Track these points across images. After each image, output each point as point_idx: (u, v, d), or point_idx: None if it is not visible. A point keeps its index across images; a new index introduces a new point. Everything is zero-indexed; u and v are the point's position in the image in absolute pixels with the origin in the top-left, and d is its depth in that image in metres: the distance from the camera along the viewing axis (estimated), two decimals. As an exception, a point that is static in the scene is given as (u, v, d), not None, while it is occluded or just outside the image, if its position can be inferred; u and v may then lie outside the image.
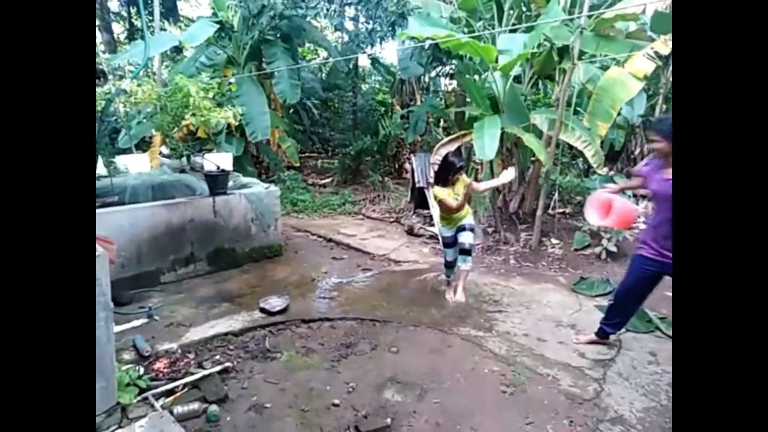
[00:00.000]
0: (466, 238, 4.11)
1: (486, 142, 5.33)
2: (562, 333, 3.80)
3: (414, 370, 3.15)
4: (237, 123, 7.12)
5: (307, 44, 12.11)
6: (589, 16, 5.72)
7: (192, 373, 2.91)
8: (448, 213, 4.11)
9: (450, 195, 3.99)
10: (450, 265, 4.36)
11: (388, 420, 2.60)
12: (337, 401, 2.78)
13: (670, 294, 4.65)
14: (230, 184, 5.26)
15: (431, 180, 6.67)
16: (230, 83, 8.47)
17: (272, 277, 4.86)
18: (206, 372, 2.92)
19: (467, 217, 4.17)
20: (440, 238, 4.31)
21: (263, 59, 8.76)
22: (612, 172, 8.10)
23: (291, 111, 11.43)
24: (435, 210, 6.55)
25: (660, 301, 4.43)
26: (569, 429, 2.64)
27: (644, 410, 2.82)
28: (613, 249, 5.67)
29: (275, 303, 3.93)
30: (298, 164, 9.53)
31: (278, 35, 8.69)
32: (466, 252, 4.12)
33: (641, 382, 3.11)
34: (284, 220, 6.61)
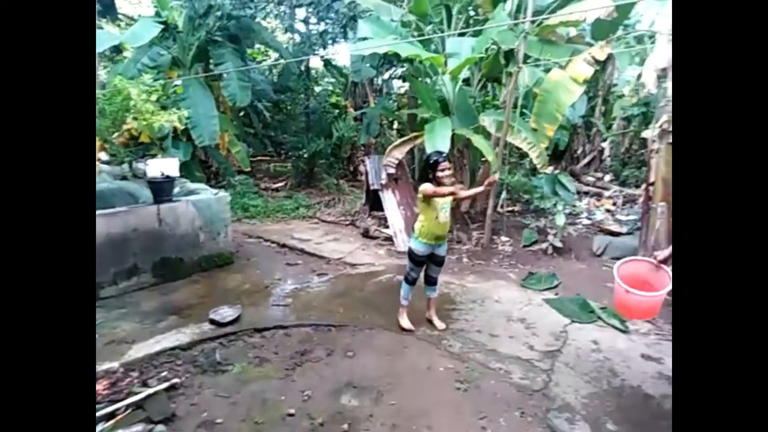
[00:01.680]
0: (437, 272, 3.78)
1: (437, 144, 5.43)
2: (512, 327, 3.93)
3: (370, 374, 3.15)
4: (183, 127, 6.86)
5: (257, 45, 11.84)
6: (533, 22, 5.98)
7: (135, 393, 2.76)
8: (434, 221, 3.48)
9: (441, 200, 3.48)
10: (412, 283, 3.76)
11: (345, 426, 2.59)
12: (292, 410, 2.73)
13: (611, 285, 4.93)
14: (176, 190, 5.05)
15: (384, 181, 6.72)
16: (176, 85, 8.15)
17: (223, 286, 4.71)
18: (151, 390, 2.78)
19: (446, 240, 3.70)
20: (410, 254, 3.63)
21: (210, 61, 8.48)
22: (557, 171, 8.48)
23: (241, 114, 11.13)
24: (395, 215, 6.60)
25: (601, 292, 4.70)
26: (520, 420, 2.73)
27: (588, 396, 2.97)
28: (559, 245, 5.94)
29: (226, 313, 3.81)
30: (249, 168, 9.30)
31: (226, 36, 8.45)
32: (434, 282, 3.82)
33: (585, 370, 3.28)
34: (235, 226, 6.43)
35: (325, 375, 3.13)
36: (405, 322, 3.81)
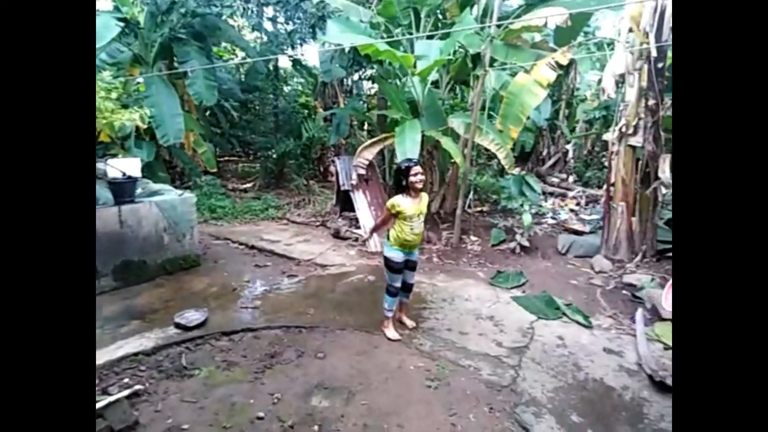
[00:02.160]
0: (412, 278, 3.76)
1: (408, 147, 5.48)
2: (482, 325, 4.00)
3: (341, 374, 3.13)
4: (146, 126, 6.64)
5: (224, 44, 11.59)
6: (499, 26, 6.12)
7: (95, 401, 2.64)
8: (407, 231, 3.44)
9: (414, 209, 3.40)
10: (395, 294, 3.65)
11: (316, 427, 2.56)
12: (261, 414, 2.69)
13: (575, 282, 5.11)
14: (139, 191, 4.87)
15: (354, 182, 6.71)
16: (138, 83, 7.88)
17: (189, 289, 4.57)
18: (112, 398, 2.66)
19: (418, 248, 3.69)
20: (387, 263, 3.58)
21: (174, 58, 8.24)
22: (523, 172, 8.70)
23: (207, 113, 10.88)
24: (366, 216, 6.59)
25: (566, 289, 4.86)
26: (489, 415, 2.78)
27: (554, 390, 3.06)
28: (526, 244, 6.09)
29: (192, 317, 3.71)
30: (216, 169, 9.09)
31: (191, 34, 8.23)
32: (410, 289, 3.82)
33: (551, 365, 3.37)
34: (201, 228, 6.27)
35: (295, 377, 3.09)
36: (391, 333, 3.70)
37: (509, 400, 2.93)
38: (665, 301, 3.92)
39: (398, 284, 3.62)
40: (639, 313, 4.05)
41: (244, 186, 10.14)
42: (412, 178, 3.36)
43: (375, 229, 4.13)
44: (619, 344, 3.70)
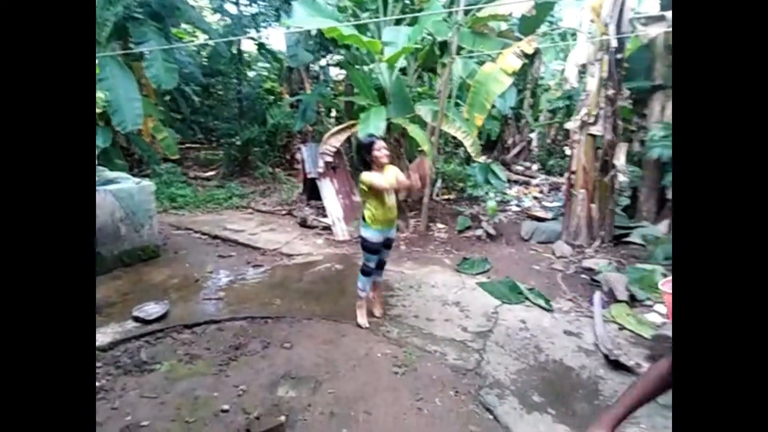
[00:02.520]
0: (388, 255, 3.75)
1: (370, 133, 5.43)
2: (448, 311, 4.07)
3: (308, 364, 3.11)
4: (101, 111, 6.30)
5: (183, 25, 11.09)
6: (466, 12, 6.13)
7: (48, 400, 2.52)
8: (382, 206, 3.40)
9: (386, 181, 3.36)
10: (369, 274, 3.63)
11: (282, 418, 2.54)
12: (226, 407, 2.64)
13: (537, 267, 5.26)
14: (92, 179, 4.63)
15: (322, 170, 6.63)
16: (88, 64, 7.44)
17: (148, 281, 4.42)
18: (66, 396, 2.55)
19: (395, 223, 3.61)
20: (364, 244, 3.52)
21: (130, 39, 7.82)
22: (489, 160, 8.84)
23: (167, 98, 10.44)
24: (334, 204, 6.53)
25: (528, 274, 5.00)
26: (455, 399, 2.84)
27: (517, 372, 3.16)
28: (491, 231, 6.21)
29: (152, 310, 3.58)
30: (176, 156, 8.76)
31: (148, 13, 7.82)
32: (383, 266, 3.80)
33: (514, 348, 3.47)
34: (161, 218, 6.05)
35: (260, 368, 3.05)
36: (362, 319, 3.68)
37: (474, 383, 3.00)
38: (665, 297, 3.96)
39: (373, 264, 3.59)
40: (597, 296, 4.22)
41: (207, 174, 9.84)
42: (375, 153, 3.34)
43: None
44: (577, 326, 3.85)
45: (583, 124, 5.86)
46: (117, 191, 4.63)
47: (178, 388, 2.79)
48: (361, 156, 3.48)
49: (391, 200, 3.45)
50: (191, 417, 2.54)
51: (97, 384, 2.74)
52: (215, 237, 5.90)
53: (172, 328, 3.48)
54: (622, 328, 3.80)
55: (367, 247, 3.52)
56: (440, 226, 6.59)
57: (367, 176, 3.33)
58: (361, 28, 6.43)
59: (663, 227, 5.86)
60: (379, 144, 3.37)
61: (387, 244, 3.61)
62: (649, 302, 4.21)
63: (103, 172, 5.15)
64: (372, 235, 3.46)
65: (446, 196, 8.11)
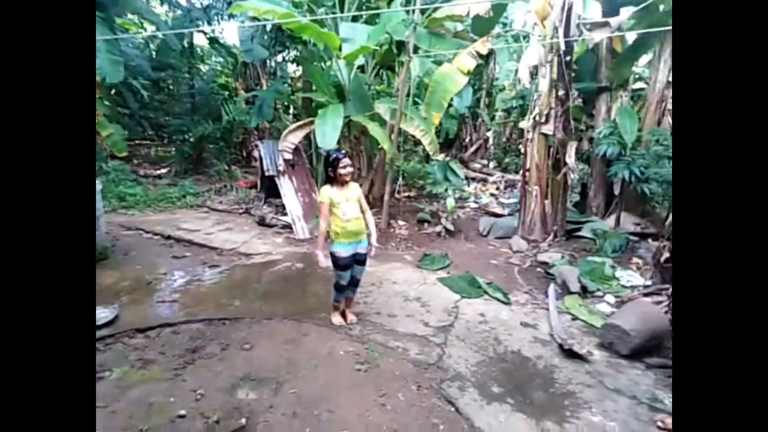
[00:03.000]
0: (360, 274, 3.63)
1: (327, 131, 5.39)
2: (409, 307, 4.11)
3: (269, 365, 3.05)
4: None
5: (129, 16, 10.53)
6: (423, 13, 6.19)
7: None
8: (341, 220, 3.36)
9: (342, 196, 3.35)
10: (342, 290, 3.60)
11: (243, 420, 2.47)
12: (183, 412, 2.54)
13: (495, 262, 5.42)
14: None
15: (281, 168, 6.50)
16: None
17: (96, 284, 4.16)
18: (4, 410, 2.36)
19: (364, 237, 3.52)
20: (333, 260, 3.44)
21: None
22: (447, 158, 8.99)
23: (113, 92, 9.87)
24: (293, 202, 6.42)
25: (487, 269, 5.14)
26: (417, 393, 2.88)
27: (477, 364, 3.24)
28: (450, 227, 6.33)
29: (100, 315, 3.39)
30: (125, 153, 8.30)
31: (89, 1, 7.34)
32: (357, 284, 3.70)
33: (474, 341, 3.56)
34: (109, 217, 5.73)
35: (219, 371, 2.95)
36: (335, 319, 3.70)
37: (436, 377, 3.05)
38: None
39: (344, 281, 3.52)
40: (551, 289, 4.40)
41: (158, 172, 9.41)
42: (340, 170, 3.32)
43: (321, 233, 3.47)
44: (534, 318, 4.00)
45: (536, 124, 6.09)
46: (58, 190, 4.34)
47: (131, 396, 2.66)
48: (324, 168, 3.45)
49: (349, 211, 3.38)
50: (145, 425, 2.42)
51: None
52: (168, 237, 5.66)
53: (123, 333, 3.31)
54: (575, 318, 3.99)
55: (337, 263, 3.43)
56: (401, 223, 6.64)
57: (323, 192, 3.36)
58: (318, 23, 6.36)
59: (611, 221, 6.19)
60: (345, 162, 3.33)
61: (357, 259, 3.52)
62: (599, 293, 4.44)
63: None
64: (339, 249, 3.40)
65: (406, 194, 8.18)
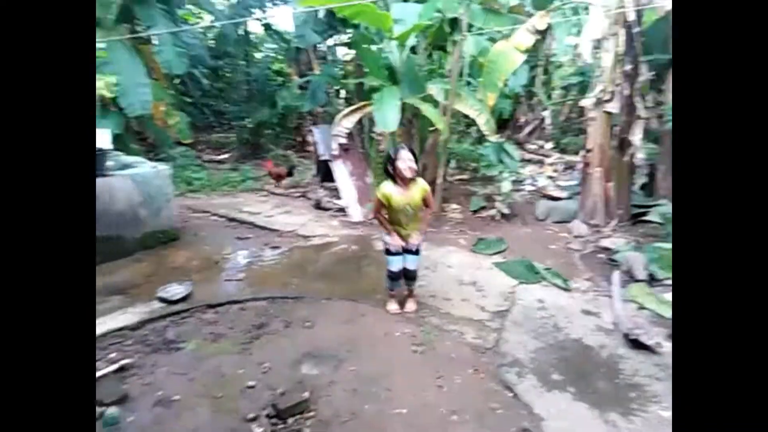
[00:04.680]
0: (412, 264, 3.49)
1: (387, 114, 5.39)
2: (464, 291, 4.10)
3: (329, 343, 3.17)
4: (112, 96, 6.31)
5: (188, 6, 10.98)
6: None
7: (82, 377, 2.61)
8: (394, 221, 3.35)
9: (401, 199, 3.22)
10: (395, 277, 3.51)
11: (306, 394, 2.60)
12: (252, 383, 2.72)
13: (553, 247, 5.25)
14: (110, 164, 4.68)
15: (335, 152, 6.62)
16: (98, 49, 7.42)
17: (170, 263, 4.50)
18: (99, 373, 2.64)
19: (417, 233, 3.43)
20: (385, 245, 3.45)
21: (137, 22, 7.77)
22: (502, 139, 8.73)
23: (177, 82, 10.41)
24: (347, 186, 6.53)
25: (545, 254, 4.99)
26: (474, 376, 2.89)
27: (535, 351, 3.19)
28: (506, 211, 6.19)
29: (175, 291, 3.66)
30: (190, 140, 8.78)
31: (154, -6, 7.73)
32: (411, 279, 3.58)
33: (532, 327, 3.50)
34: (179, 201, 6.11)
35: (283, 347, 3.12)
36: (390, 306, 3.65)
37: (493, 362, 3.04)
38: None
39: (395, 268, 3.45)
40: (615, 276, 4.21)
41: (220, 157, 9.88)
42: (399, 165, 3.09)
43: (380, 223, 3.46)
44: (596, 306, 3.86)
45: (599, 101, 5.75)
46: (134, 176, 4.68)
47: (206, 366, 2.88)
48: (384, 165, 3.27)
49: (404, 219, 3.30)
50: (219, 393, 2.62)
51: (128, 361, 2.83)
52: (232, 219, 5.97)
53: (196, 308, 3.56)
54: (641, 307, 3.80)
55: (387, 249, 3.44)
56: (454, 206, 6.58)
57: (381, 188, 3.23)
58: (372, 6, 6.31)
59: (681, 205, 5.78)
60: (403, 155, 3.10)
61: (408, 249, 3.45)
62: (668, 282, 4.19)
63: (118, 157, 5.18)
64: (389, 239, 3.39)
65: (459, 177, 8.06)
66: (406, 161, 3.10)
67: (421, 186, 3.26)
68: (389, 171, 3.21)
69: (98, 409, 2.39)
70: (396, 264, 3.45)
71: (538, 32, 5.93)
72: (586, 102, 5.94)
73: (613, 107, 5.61)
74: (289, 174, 7.90)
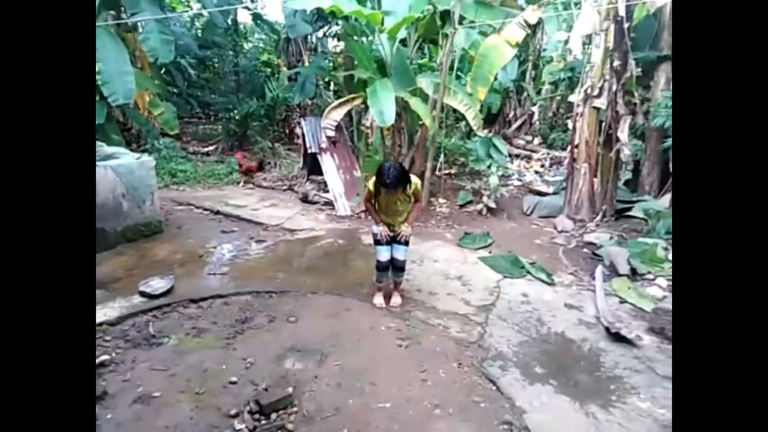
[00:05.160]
0: (400, 254, 3.53)
1: (384, 108, 5.34)
2: (450, 285, 4.11)
3: (314, 337, 3.16)
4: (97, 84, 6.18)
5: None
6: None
7: (60, 373, 2.56)
8: (381, 209, 3.45)
9: (385, 200, 3.35)
10: (383, 268, 3.55)
11: (290, 389, 2.59)
12: (234, 378, 2.69)
13: (539, 242, 5.29)
14: (91, 155, 4.58)
15: (323, 145, 6.56)
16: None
17: (152, 257, 4.43)
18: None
19: (406, 225, 3.48)
20: (372, 235, 3.54)
21: (122, 9, 7.58)
22: (490, 134, 8.75)
23: (162, 71, 10.22)
24: (335, 179, 6.49)
25: (530, 249, 5.03)
26: (458, 370, 2.90)
27: (519, 344, 3.21)
28: (492, 205, 6.21)
29: (157, 285, 3.61)
30: (175, 131, 8.63)
31: (139, -20, 7.53)
32: (399, 269, 3.59)
33: (516, 321, 3.52)
34: (162, 193, 6.02)
35: (267, 341, 3.10)
36: (377, 300, 3.66)
37: (477, 356, 3.06)
38: None
39: (383, 258, 3.50)
40: (598, 270, 4.26)
41: (206, 149, 9.75)
42: (383, 190, 3.22)
43: (369, 212, 3.60)
44: (579, 300, 3.90)
45: (587, 97, 5.78)
46: (117, 167, 4.59)
47: (187, 361, 2.84)
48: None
49: (393, 210, 3.41)
50: (201, 388, 2.59)
51: (107, 357, 2.78)
52: (217, 212, 5.90)
53: (179, 303, 3.52)
54: (623, 301, 3.85)
55: (376, 240, 3.51)
56: (442, 200, 6.58)
57: (371, 182, 3.29)
58: (361, 3, 6.24)
59: (665, 201, 5.85)
60: (389, 178, 3.13)
61: (397, 240, 3.51)
62: (650, 276, 4.25)
63: (101, 148, 5.08)
64: (377, 228, 3.46)
65: (447, 171, 8.06)
66: (390, 190, 3.17)
67: (412, 181, 3.31)
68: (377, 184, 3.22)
69: (76, 405, 2.35)
70: (384, 254, 3.51)
71: (529, 26, 5.92)
72: (575, 97, 5.97)
73: (601, 102, 5.64)
74: (260, 168, 7.79)
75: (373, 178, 3.27)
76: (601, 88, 5.62)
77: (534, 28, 10.53)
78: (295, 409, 2.47)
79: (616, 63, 5.41)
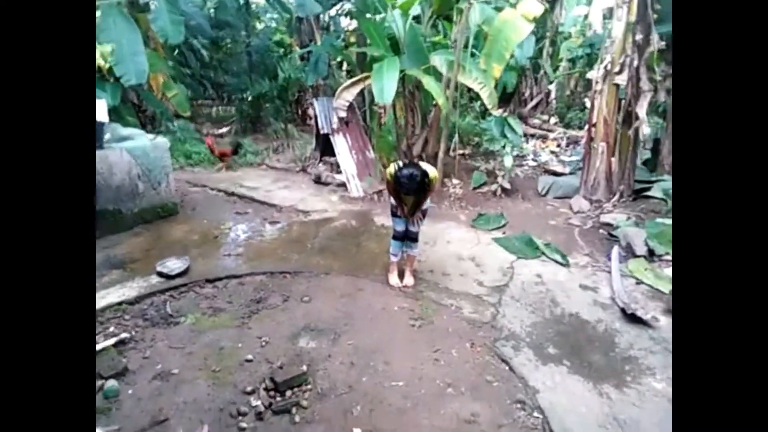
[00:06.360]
0: (415, 227, 3.63)
1: (384, 85, 5.25)
2: (463, 266, 4.09)
3: (327, 317, 3.20)
4: (108, 65, 6.19)
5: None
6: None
7: (82, 350, 2.65)
8: (404, 198, 3.49)
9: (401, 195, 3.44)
10: (399, 237, 3.63)
11: (304, 367, 2.64)
12: (250, 357, 2.75)
13: (554, 223, 5.21)
14: (107, 136, 4.63)
15: (335, 126, 6.52)
16: (93, 17, 7.22)
17: (168, 237, 4.50)
18: (99, 347, 2.67)
19: (416, 218, 3.60)
20: (391, 206, 3.64)
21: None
22: (505, 114, 8.57)
23: (176, 53, 10.20)
24: (348, 160, 6.46)
25: (545, 230, 4.97)
26: (470, 350, 2.91)
27: (532, 325, 3.20)
28: (507, 186, 6.13)
29: (174, 265, 3.67)
30: (188, 113, 8.65)
31: (150, -41, 7.48)
32: (413, 239, 3.67)
33: (529, 301, 3.51)
34: (177, 175, 6.07)
35: (281, 321, 3.14)
36: (392, 278, 3.71)
37: (490, 336, 3.06)
38: None
39: (399, 228, 3.60)
40: (614, 251, 4.19)
41: (220, 131, 9.76)
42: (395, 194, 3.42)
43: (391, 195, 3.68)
44: (594, 281, 3.86)
45: (607, 73, 5.59)
46: (132, 148, 4.63)
47: (204, 340, 2.91)
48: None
49: (408, 199, 3.46)
50: (217, 366, 2.66)
51: (127, 335, 2.86)
52: (231, 194, 5.94)
53: (195, 283, 3.58)
54: (639, 282, 3.79)
55: (391, 209, 3.62)
56: (455, 181, 6.51)
57: (389, 170, 3.37)
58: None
59: (685, 181, 5.70)
60: (405, 179, 3.25)
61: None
62: (667, 257, 4.17)
63: (116, 129, 5.12)
64: (394, 201, 3.53)
65: (461, 151, 7.95)
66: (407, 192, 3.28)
67: (430, 176, 3.33)
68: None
69: (98, 382, 2.43)
70: (400, 225, 3.61)
71: (547, 0, 5.72)
72: (594, 74, 5.79)
73: (622, 79, 5.46)
74: (235, 152, 7.71)
75: (392, 169, 3.31)
76: (622, 64, 5.43)
77: (552, 3, 10.20)
78: (309, 386, 2.52)
79: (639, 37, 5.20)
